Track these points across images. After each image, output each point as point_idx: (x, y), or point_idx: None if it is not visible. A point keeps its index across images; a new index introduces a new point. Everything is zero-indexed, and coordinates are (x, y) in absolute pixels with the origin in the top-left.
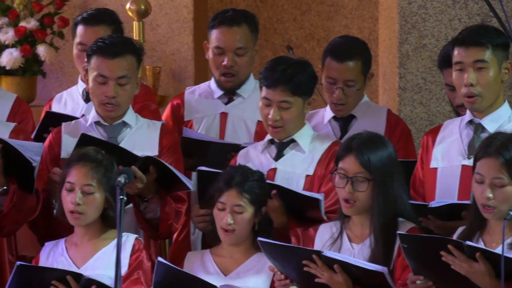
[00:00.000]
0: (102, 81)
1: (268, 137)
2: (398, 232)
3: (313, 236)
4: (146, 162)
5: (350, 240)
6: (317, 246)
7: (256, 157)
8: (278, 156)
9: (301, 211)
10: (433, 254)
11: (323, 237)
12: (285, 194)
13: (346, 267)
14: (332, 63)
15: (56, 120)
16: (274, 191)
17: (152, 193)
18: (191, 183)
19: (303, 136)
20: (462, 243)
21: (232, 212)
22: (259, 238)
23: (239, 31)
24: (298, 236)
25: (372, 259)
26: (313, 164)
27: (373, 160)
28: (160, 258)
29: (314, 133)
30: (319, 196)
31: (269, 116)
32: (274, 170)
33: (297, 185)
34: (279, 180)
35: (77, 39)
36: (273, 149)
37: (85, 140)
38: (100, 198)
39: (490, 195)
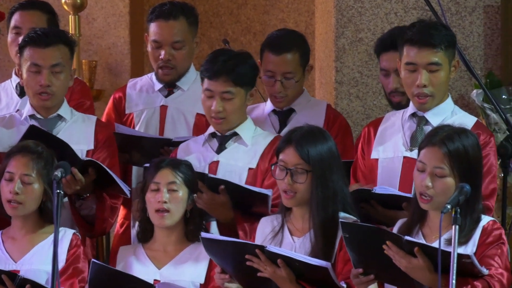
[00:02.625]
0: (36, 70)
1: (210, 130)
2: (341, 220)
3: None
4: (86, 164)
5: (291, 234)
6: (258, 239)
7: (197, 150)
8: (220, 149)
9: (247, 205)
10: (373, 244)
11: (264, 230)
12: (232, 189)
13: (289, 262)
14: (270, 56)
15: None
16: (222, 186)
17: (89, 192)
18: (128, 190)
19: (245, 129)
20: (401, 238)
21: (167, 190)
22: (202, 235)
23: (176, 25)
24: (245, 231)
25: (312, 253)
26: (256, 157)
27: (312, 152)
28: (94, 260)
29: (256, 128)
30: (268, 192)
31: (212, 108)
32: (216, 163)
33: (240, 178)
34: (221, 173)
35: (12, 24)
36: (215, 142)
37: (32, 131)
38: (39, 189)
39: (429, 183)
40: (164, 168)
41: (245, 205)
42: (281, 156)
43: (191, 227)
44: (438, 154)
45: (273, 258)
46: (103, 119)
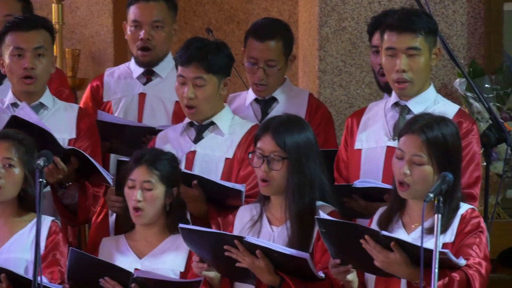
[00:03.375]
0: (19, 53)
1: (188, 119)
2: (316, 217)
3: (233, 221)
4: (69, 153)
5: (270, 223)
6: (236, 228)
7: (175, 139)
8: (198, 139)
9: (221, 199)
10: (351, 240)
11: (242, 219)
12: (206, 183)
13: (268, 252)
14: (253, 43)
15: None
16: (195, 181)
17: (71, 181)
18: (111, 178)
19: (223, 119)
20: (378, 233)
21: (141, 188)
22: (180, 225)
23: (156, 6)
24: (218, 224)
25: (290, 242)
26: (233, 147)
27: (289, 140)
28: (72, 248)
29: (234, 116)
30: (241, 187)
31: (184, 94)
32: (193, 152)
33: (217, 168)
34: (198, 163)
35: None
36: (193, 132)
37: (14, 121)
38: (19, 174)
39: (407, 171)
40: (141, 165)
41: (218, 198)
42: (258, 144)
43: (172, 219)
44: (416, 142)
45: (251, 248)
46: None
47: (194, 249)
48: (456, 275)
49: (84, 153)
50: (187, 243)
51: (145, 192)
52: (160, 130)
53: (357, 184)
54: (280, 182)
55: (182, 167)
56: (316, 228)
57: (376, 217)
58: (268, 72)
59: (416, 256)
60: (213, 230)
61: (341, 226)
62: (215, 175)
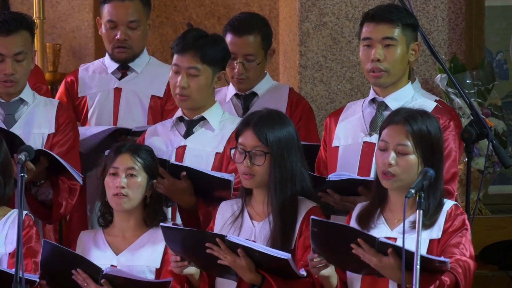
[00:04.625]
0: None
1: (177, 114)
2: (312, 217)
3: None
4: (37, 153)
5: (251, 218)
6: (217, 224)
7: (164, 134)
8: (188, 134)
9: (209, 191)
10: (342, 241)
11: (224, 215)
12: (194, 175)
13: (249, 251)
14: (231, 38)
15: None
16: (183, 173)
17: (43, 179)
18: (80, 177)
19: (213, 114)
20: (375, 239)
21: (125, 175)
22: (162, 224)
23: (131, 5)
24: (206, 216)
25: (271, 238)
26: (223, 142)
27: (270, 135)
28: (45, 239)
29: (224, 112)
30: (230, 177)
31: (177, 84)
32: (183, 147)
33: (207, 163)
34: (188, 158)
35: None
36: (182, 127)
37: None
38: None
39: (393, 161)
40: (124, 153)
41: (207, 190)
42: (240, 139)
43: (149, 212)
44: (401, 132)
45: (233, 247)
46: None
47: (175, 248)
48: (446, 279)
49: (52, 153)
50: (168, 242)
51: (129, 179)
52: (137, 132)
53: (331, 177)
54: (263, 177)
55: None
56: (299, 224)
57: (355, 212)
58: (247, 67)
59: (410, 261)
60: (194, 229)
61: (335, 228)
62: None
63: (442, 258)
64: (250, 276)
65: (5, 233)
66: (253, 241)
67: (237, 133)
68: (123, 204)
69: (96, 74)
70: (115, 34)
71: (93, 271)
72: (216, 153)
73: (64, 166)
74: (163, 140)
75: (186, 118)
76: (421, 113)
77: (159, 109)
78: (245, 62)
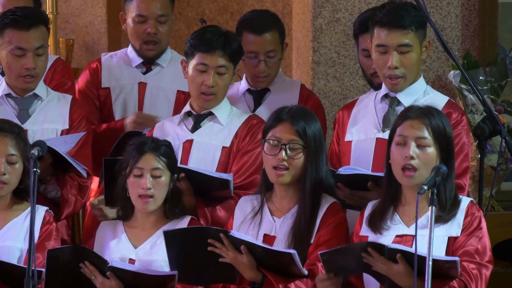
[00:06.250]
0: (20, 54)
1: (185, 109)
2: (319, 252)
3: (223, 216)
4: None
5: (271, 214)
6: (237, 219)
7: (172, 129)
8: (195, 128)
9: (209, 191)
10: (355, 260)
11: (243, 210)
12: (193, 176)
13: (252, 248)
14: (251, 37)
15: None
16: (182, 174)
17: (49, 175)
18: (84, 170)
19: (221, 109)
20: (384, 247)
21: (151, 176)
22: (164, 230)
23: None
24: (206, 217)
25: (293, 232)
26: (230, 136)
27: (308, 129)
28: (48, 250)
29: (231, 107)
30: (228, 176)
31: (206, 83)
32: (190, 141)
33: (213, 157)
34: (195, 152)
35: None
36: (190, 121)
37: None
38: (20, 168)
39: (414, 154)
40: (147, 153)
41: (206, 190)
42: (273, 132)
43: (170, 205)
44: (420, 125)
45: (236, 244)
46: (77, 91)
47: (175, 254)
48: (455, 286)
49: (54, 148)
50: (169, 249)
51: (154, 179)
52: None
53: (341, 171)
54: (298, 171)
55: (179, 156)
56: (319, 219)
57: (367, 211)
58: (268, 64)
59: (421, 266)
60: (197, 226)
61: (344, 251)
62: (211, 163)
63: (450, 258)
64: (250, 274)
65: (26, 228)
66: (274, 236)
67: (266, 128)
68: (149, 206)
69: (120, 65)
70: (144, 29)
71: (100, 263)
72: (223, 147)
73: (66, 161)
74: (170, 135)
75: (194, 112)
76: (434, 109)
77: (183, 104)
78: (267, 59)
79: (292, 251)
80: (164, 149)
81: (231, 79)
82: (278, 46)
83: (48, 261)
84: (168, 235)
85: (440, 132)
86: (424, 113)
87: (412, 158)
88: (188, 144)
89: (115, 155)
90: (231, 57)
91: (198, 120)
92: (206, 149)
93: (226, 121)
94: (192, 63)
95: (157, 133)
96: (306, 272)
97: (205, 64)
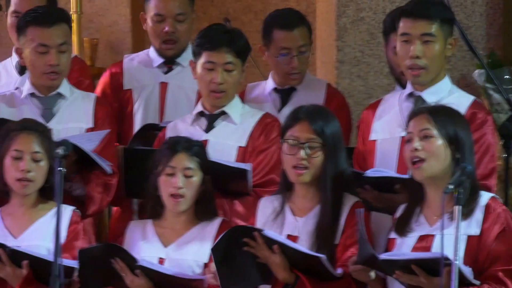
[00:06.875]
0: (43, 51)
1: (197, 109)
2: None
3: (242, 212)
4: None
5: (293, 214)
6: (259, 220)
7: (185, 130)
8: (209, 128)
9: (227, 183)
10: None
11: (264, 212)
12: (211, 166)
13: (284, 248)
14: (282, 34)
15: None
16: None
17: (73, 173)
18: (108, 165)
19: (234, 108)
20: (396, 261)
21: (182, 175)
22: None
23: None
24: (225, 209)
25: (317, 231)
26: (245, 135)
27: (326, 128)
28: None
29: (243, 105)
30: (246, 166)
31: (214, 80)
32: (205, 142)
33: (229, 156)
34: (210, 152)
35: (11, 8)
36: (203, 121)
37: (1, 124)
38: (45, 166)
39: (418, 146)
40: (180, 152)
41: (223, 181)
42: (291, 132)
43: (201, 206)
44: (423, 118)
45: (269, 243)
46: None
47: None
48: None
49: (76, 144)
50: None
51: (186, 179)
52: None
53: (369, 173)
54: (317, 170)
55: None
56: (343, 219)
57: (398, 213)
58: (301, 59)
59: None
60: (234, 226)
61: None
62: None
63: (476, 282)
64: (283, 274)
65: (53, 227)
66: (296, 236)
67: (285, 128)
68: (179, 205)
69: (141, 67)
70: (163, 28)
71: (130, 261)
72: (239, 147)
73: (93, 159)
74: (184, 135)
75: (206, 112)
76: (441, 105)
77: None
78: (299, 55)
79: (322, 255)
80: (196, 149)
81: (241, 76)
82: (308, 41)
83: (81, 260)
84: (215, 249)
85: (444, 121)
86: (428, 109)
87: (416, 150)
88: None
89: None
90: (238, 53)
91: (211, 120)
92: (222, 149)
93: (240, 120)
94: (200, 62)
95: (169, 133)
96: (339, 273)
97: (212, 62)
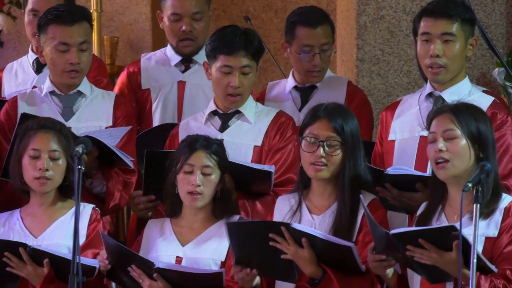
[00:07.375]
0: (64, 49)
1: (210, 108)
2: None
3: (261, 211)
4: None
5: (310, 212)
6: (276, 218)
7: (198, 129)
8: (223, 128)
9: (249, 184)
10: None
11: (281, 210)
12: (234, 168)
13: (312, 241)
14: (305, 31)
15: None
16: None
17: (95, 169)
18: (131, 161)
19: (248, 107)
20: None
21: (201, 173)
22: (227, 222)
23: None
24: (247, 211)
25: (334, 229)
26: (261, 135)
27: (346, 126)
28: (101, 232)
29: (256, 104)
30: (270, 168)
31: (232, 84)
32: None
33: (245, 156)
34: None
35: (29, 6)
36: (217, 120)
37: (25, 119)
38: (63, 164)
39: (443, 147)
40: (199, 150)
41: (246, 184)
42: (310, 129)
43: (219, 205)
44: (446, 119)
45: (296, 237)
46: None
47: (237, 246)
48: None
49: (99, 139)
50: (232, 241)
51: (205, 177)
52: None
53: (390, 171)
54: (336, 167)
55: None
56: (360, 217)
57: (419, 211)
58: (323, 57)
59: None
60: (258, 220)
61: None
62: None
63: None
64: (311, 269)
65: (72, 226)
66: None
67: (304, 125)
68: (197, 203)
69: (159, 66)
70: (180, 27)
71: (147, 266)
72: (255, 146)
73: (115, 155)
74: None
75: (220, 111)
76: (464, 104)
77: None
78: (321, 53)
79: (351, 244)
80: (215, 147)
81: (255, 77)
82: (331, 39)
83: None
84: (230, 226)
85: (468, 122)
86: (450, 108)
87: (441, 151)
88: None
89: (149, 146)
90: (254, 55)
91: (225, 119)
92: (237, 148)
93: (254, 119)
94: (216, 65)
95: (182, 132)
96: (364, 268)
97: (229, 66)
